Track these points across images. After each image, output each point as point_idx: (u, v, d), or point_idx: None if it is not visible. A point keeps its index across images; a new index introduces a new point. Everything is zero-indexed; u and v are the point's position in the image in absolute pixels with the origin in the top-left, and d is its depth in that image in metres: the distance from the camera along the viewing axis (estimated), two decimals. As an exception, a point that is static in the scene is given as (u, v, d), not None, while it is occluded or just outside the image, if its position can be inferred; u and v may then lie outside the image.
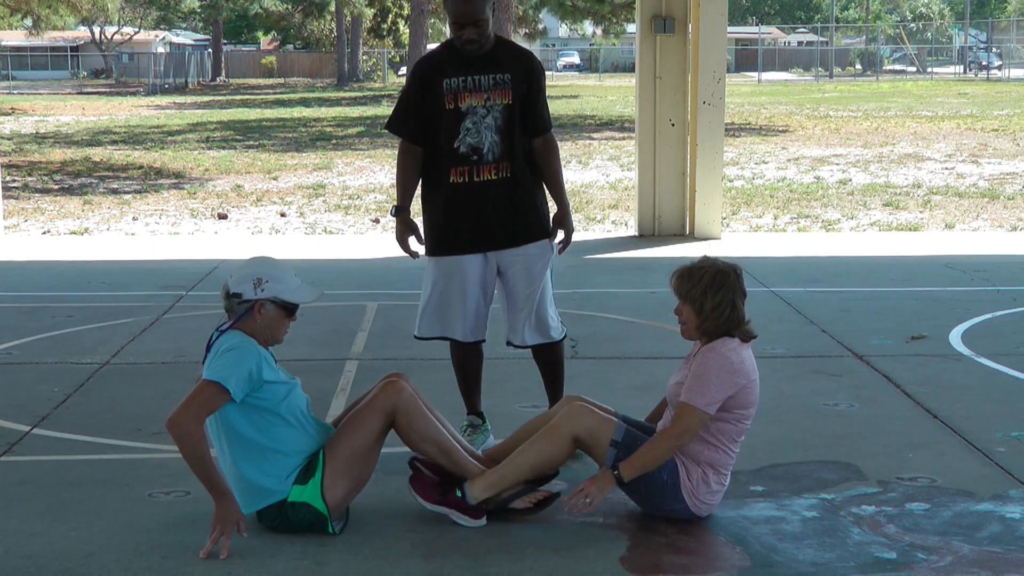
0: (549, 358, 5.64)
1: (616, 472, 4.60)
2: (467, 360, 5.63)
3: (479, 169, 5.33)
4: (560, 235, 5.56)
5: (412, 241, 5.52)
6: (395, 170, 5.67)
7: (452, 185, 5.36)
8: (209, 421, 4.61)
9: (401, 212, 5.47)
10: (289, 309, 4.65)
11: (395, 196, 5.71)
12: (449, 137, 5.33)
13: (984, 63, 65.46)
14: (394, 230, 5.56)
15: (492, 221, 5.37)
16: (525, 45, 56.78)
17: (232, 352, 4.49)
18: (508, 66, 5.36)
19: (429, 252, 5.50)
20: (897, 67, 72.63)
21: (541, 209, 5.51)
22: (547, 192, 5.59)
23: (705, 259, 4.78)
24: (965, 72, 66.66)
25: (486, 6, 5.23)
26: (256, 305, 4.59)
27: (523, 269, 5.44)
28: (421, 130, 5.40)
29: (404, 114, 5.45)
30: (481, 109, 5.31)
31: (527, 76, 5.39)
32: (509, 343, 5.60)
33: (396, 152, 5.62)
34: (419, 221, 5.52)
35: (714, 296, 4.64)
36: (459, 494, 4.67)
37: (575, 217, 15.00)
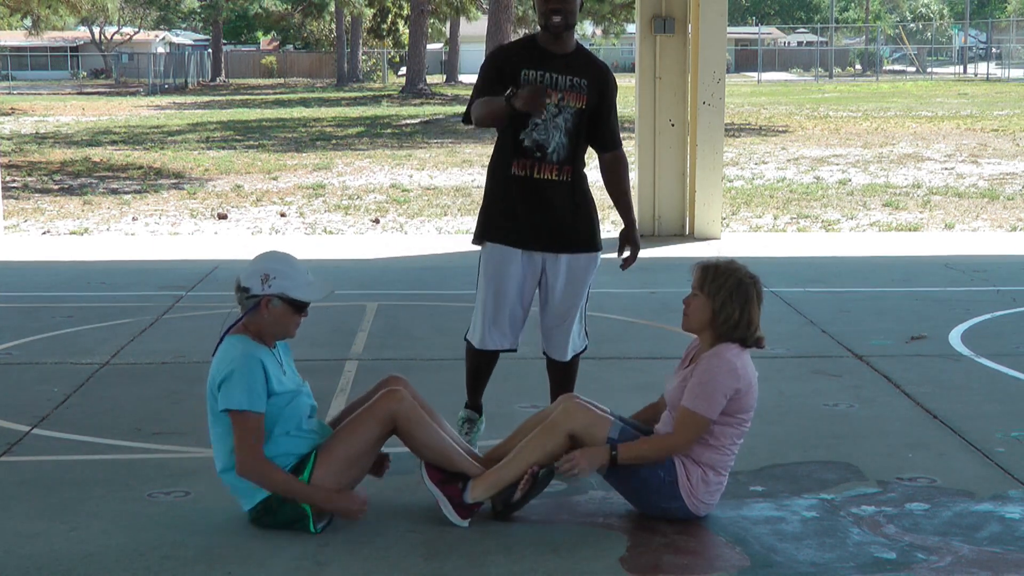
0: (565, 369, 5.53)
1: (614, 452, 4.60)
2: (483, 363, 5.51)
3: (541, 166, 5.23)
4: (627, 252, 5.49)
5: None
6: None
7: (513, 177, 5.26)
8: (211, 419, 4.63)
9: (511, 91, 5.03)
10: (297, 306, 4.65)
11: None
12: (517, 128, 5.20)
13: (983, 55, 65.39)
14: (519, 99, 4.92)
15: (547, 222, 5.27)
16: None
17: (237, 374, 4.51)
18: (586, 72, 5.26)
19: (477, 237, 5.37)
20: (897, 67, 72.64)
21: (595, 220, 5.41)
22: (616, 208, 5.53)
23: (732, 262, 4.76)
24: (964, 72, 66.64)
25: None
26: (263, 301, 4.60)
27: (565, 277, 5.33)
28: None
29: (476, 98, 5.22)
30: (553, 108, 5.19)
31: (602, 87, 5.30)
32: (545, 354, 5.51)
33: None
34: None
35: (734, 303, 4.63)
36: (461, 487, 4.69)
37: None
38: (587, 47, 5.42)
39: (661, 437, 4.67)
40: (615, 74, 5.55)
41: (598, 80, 5.29)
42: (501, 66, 5.26)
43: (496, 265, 5.31)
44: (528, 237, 5.28)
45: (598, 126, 5.33)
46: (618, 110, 5.54)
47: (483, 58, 5.62)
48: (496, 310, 5.34)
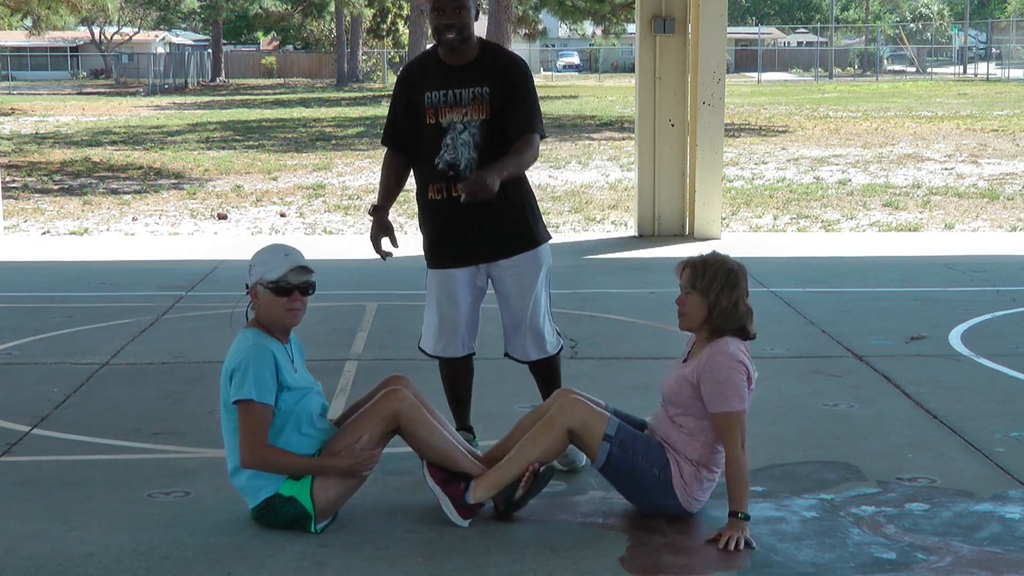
0: (545, 371, 5.51)
1: (741, 515, 4.51)
2: (457, 373, 5.52)
3: (456, 186, 5.17)
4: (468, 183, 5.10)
5: (385, 242, 5.39)
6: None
7: (432, 202, 5.28)
8: (224, 413, 4.64)
9: (377, 212, 5.38)
10: (278, 290, 4.63)
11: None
12: (430, 153, 5.23)
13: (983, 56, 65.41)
14: (369, 230, 5.46)
15: (475, 235, 5.25)
16: (525, 45, 56.36)
17: (246, 364, 4.53)
18: (488, 78, 5.20)
19: (427, 263, 5.45)
20: (896, 67, 72.64)
21: (529, 219, 5.32)
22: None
23: (716, 254, 4.77)
24: (964, 72, 66.64)
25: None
26: (252, 291, 4.66)
27: (514, 281, 5.31)
28: (402, 137, 5.36)
29: (390, 122, 5.44)
30: (459, 124, 5.18)
31: (507, 88, 5.21)
32: (507, 355, 5.52)
33: None
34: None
35: (730, 294, 4.66)
36: (464, 487, 4.69)
37: (575, 218, 15.03)
38: (487, 41, 5.35)
39: (729, 457, 4.57)
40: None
41: (502, 83, 5.21)
42: (407, 87, 5.31)
43: (439, 289, 5.36)
44: (462, 255, 5.29)
45: (506, 121, 5.22)
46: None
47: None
48: (440, 323, 5.38)
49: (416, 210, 5.52)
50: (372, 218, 5.41)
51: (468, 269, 5.32)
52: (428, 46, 5.81)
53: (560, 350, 5.52)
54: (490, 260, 5.31)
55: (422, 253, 5.50)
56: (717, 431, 4.63)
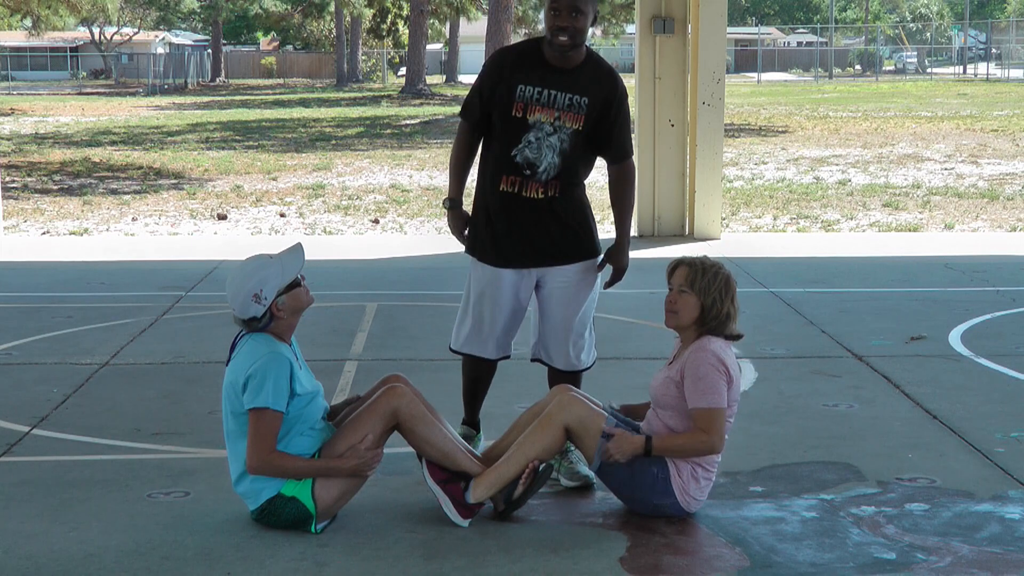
0: (572, 382, 5.30)
1: (649, 442, 4.64)
2: (481, 375, 5.41)
3: (529, 185, 5.09)
4: (609, 270, 5.24)
5: (466, 232, 5.28)
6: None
7: (501, 193, 5.11)
8: (228, 418, 4.63)
9: (454, 205, 5.24)
10: (294, 283, 4.65)
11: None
12: (508, 143, 5.08)
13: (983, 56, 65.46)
14: (448, 223, 5.33)
15: (533, 238, 5.13)
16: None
17: (264, 371, 4.51)
18: (589, 89, 5.07)
19: (469, 249, 5.28)
20: (896, 67, 72.65)
21: (592, 227, 5.23)
22: (614, 222, 5.35)
23: (707, 257, 4.80)
24: (964, 72, 66.64)
25: (586, 2, 4.98)
26: (272, 310, 4.60)
27: (564, 289, 5.18)
28: (486, 118, 5.17)
29: (473, 99, 5.19)
30: (548, 126, 5.04)
31: (606, 103, 5.10)
32: (538, 360, 5.35)
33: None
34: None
35: (725, 299, 4.68)
36: (463, 487, 4.69)
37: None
38: (592, 50, 5.22)
39: (695, 435, 4.66)
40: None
41: (602, 97, 5.10)
42: (501, 71, 5.12)
43: (485, 286, 5.22)
44: (516, 255, 5.17)
45: (600, 140, 5.16)
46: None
47: (483, 59, 5.57)
48: (488, 325, 5.25)
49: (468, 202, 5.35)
50: (448, 212, 5.27)
51: (517, 271, 5.18)
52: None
53: (593, 364, 5.39)
54: (549, 264, 5.17)
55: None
56: (702, 426, 4.64)
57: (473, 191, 5.34)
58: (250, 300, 4.57)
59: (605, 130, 5.15)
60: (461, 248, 5.39)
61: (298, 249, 4.73)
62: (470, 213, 5.31)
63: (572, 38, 4.99)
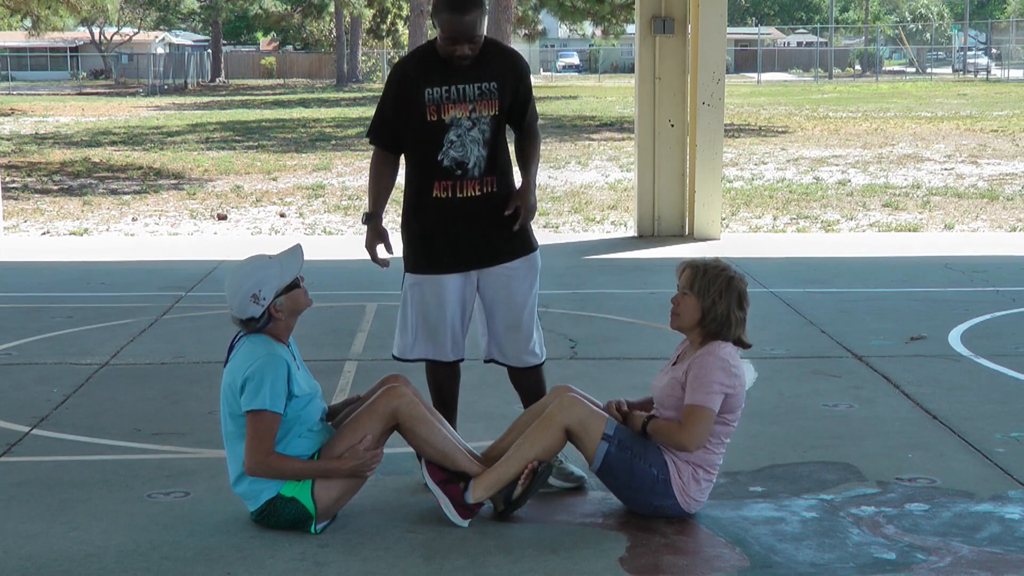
0: (529, 381, 5.27)
1: (646, 423, 4.72)
2: (444, 381, 5.31)
3: (463, 184, 5.05)
4: (513, 208, 5.06)
5: (381, 249, 5.18)
6: (367, 177, 5.43)
7: (435, 200, 5.08)
8: (226, 420, 4.62)
9: (372, 219, 5.18)
10: (294, 284, 4.66)
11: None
12: (432, 150, 5.02)
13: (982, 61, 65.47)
14: (365, 238, 5.23)
15: (473, 238, 5.09)
16: (524, 46, 56.37)
17: (262, 373, 4.51)
18: (495, 73, 5.05)
19: (408, 268, 5.21)
20: (896, 67, 72.65)
21: (526, 225, 5.16)
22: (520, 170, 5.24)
23: (719, 260, 4.78)
24: (964, 72, 66.66)
25: (480, 22, 5.00)
26: (270, 311, 4.60)
27: (504, 287, 5.15)
28: (396, 137, 5.14)
29: (380, 121, 5.16)
30: (466, 121, 5.01)
31: (515, 82, 5.10)
32: (489, 359, 5.29)
33: None
34: (396, 235, 5.22)
35: (725, 301, 4.67)
36: (463, 487, 4.69)
37: (575, 218, 15.02)
38: (485, 36, 5.16)
39: (673, 426, 4.68)
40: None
41: (509, 77, 5.10)
42: (402, 83, 5.07)
43: (426, 295, 5.14)
44: (457, 260, 5.11)
45: (513, 116, 5.16)
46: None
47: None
48: (424, 326, 5.17)
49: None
50: (366, 227, 5.23)
51: (459, 275, 5.13)
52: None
53: (544, 361, 5.31)
54: (485, 265, 5.13)
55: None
56: (683, 420, 4.65)
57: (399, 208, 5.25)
58: (248, 300, 4.57)
59: (518, 107, 5.15)
60: None
61: (297, 250, 4.73)
62: (388, 230, 5.22)
63: (473, 58, 5.01)
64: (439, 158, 5.04)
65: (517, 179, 5.18)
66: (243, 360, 4.57)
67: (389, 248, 5.18)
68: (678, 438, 4.66)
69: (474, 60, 5.04)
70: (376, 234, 5.20)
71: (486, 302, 5.21)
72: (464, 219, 5.08)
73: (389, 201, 5.33)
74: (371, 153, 5.29)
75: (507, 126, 5.21)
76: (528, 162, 5.21)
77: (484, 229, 5.10)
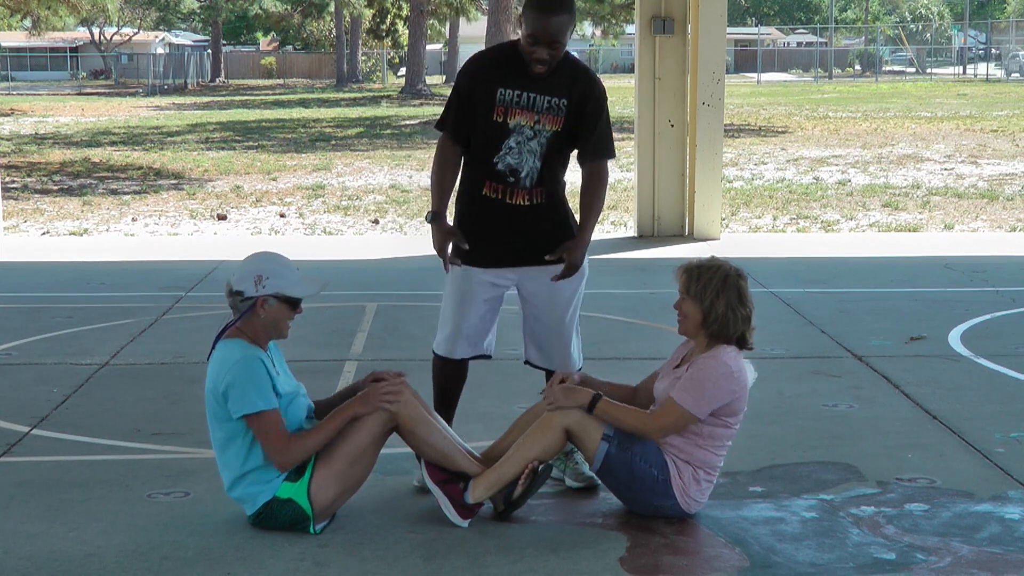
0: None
1: (596, 400, 4.67)
2: (451, 375, 5.29)
3: (513, 192, 5.03)
4: (562, 264, 5.08)
5: (451, 249, 5.10)
6: (429, 169, 5.22)
7: (484, 198, 5.06)
8: (213, 425, 4.62)
9: (437, 218, 5.07)
10: (292, 303, 4.65)
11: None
12: (489, 149, 5.01)
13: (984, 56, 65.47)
14: (431, 238, 5.12)
15: (518, 238, 5.07)
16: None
17: (243, 377, 4.51)
18: (568, 90, 5.01)
19: (452, 256, 5.17)
20: (896, 68, 72.66)
21: (571, 226, 5.17)
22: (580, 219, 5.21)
23: (714, 259, 4.78)
24: (964, 73, 66.64)
25: (566, 29, 4.91)
26: (258, 301, 4.60)
27: (546, 290, 5.13)
28: (465, 129, 5.09)
29: (450, 110, 5.11)
30: (528, 130, 4.98)
31: (584, 104, 5.03)
32: (528, 362, 5.31)
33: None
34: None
35: (724, 300, 4.66)
36: (463, 487, 4.69)
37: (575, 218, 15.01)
38: (573, 54, 5.17)
39: (642, 414, 4.70)
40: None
41: (580, 98, 5.06)
42: (478, 76, 5.05)
43: (459, 285, 5.16)
44: (492, 256, 5.10)
45: (578, 140, 5.11)
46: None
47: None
48: (458, 328, 5.19)
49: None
50: (432, 226, 5.09)
51: (492, 271, 5.12)
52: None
53: (580, 370, 5.28)
54: (528, 264, 5.10)
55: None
56: (659, 408, 4.66)
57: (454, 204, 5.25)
58: (252, 277, 4.60)
59: (583, 130, 5.09)
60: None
61: (318, 283, 4.76)
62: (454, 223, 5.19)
63: (551, 64, 4.96)
64: (494, 160, 5.03)
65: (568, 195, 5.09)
66: (219, 367, 4.57)
67: (463, 242, 5.07)
68: (642, 426, 4.64)
69: (552, 72, 4.99)
70: (443, 233, 5.08)
71: (527, 306, 5.20)
72: (509, 222, 5.07)
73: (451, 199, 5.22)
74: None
75: (571, 151, 5.14)
76: (588, 211, 5.14)
77: (523, 234, 5.09)
